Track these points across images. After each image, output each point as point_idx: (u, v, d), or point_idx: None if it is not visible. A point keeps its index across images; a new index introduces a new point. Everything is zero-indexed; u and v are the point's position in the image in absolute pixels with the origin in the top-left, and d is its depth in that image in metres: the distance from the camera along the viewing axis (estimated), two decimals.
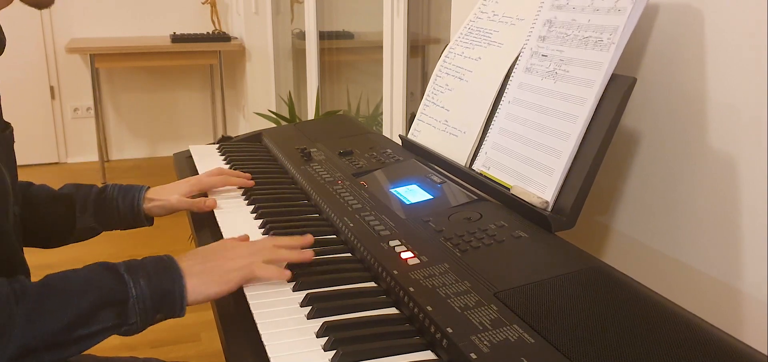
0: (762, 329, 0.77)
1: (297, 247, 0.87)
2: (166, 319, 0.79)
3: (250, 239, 0.91)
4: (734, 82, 0.79)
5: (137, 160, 4.58)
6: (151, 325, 0.78)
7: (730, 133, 0.80)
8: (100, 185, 1.12)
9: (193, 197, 1.13)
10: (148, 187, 1.13)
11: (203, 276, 0.80)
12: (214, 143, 1.50)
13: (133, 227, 1.13)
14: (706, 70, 0.83)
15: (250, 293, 0.79)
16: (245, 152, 1.39)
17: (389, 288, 0.78)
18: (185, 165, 1.37)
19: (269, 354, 0.66)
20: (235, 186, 1.17)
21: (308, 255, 0.85)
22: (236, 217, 1.05)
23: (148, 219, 1.13)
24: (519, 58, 1.03)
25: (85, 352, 0.75)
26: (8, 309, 0.69)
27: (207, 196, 1.14)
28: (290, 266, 0.83)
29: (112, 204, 1.10)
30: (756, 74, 0.76)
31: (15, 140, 0.99)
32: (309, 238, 0.89)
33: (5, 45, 0.93)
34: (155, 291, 0.76)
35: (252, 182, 1.16)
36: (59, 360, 0.73)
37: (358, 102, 3.13)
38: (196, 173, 1.28)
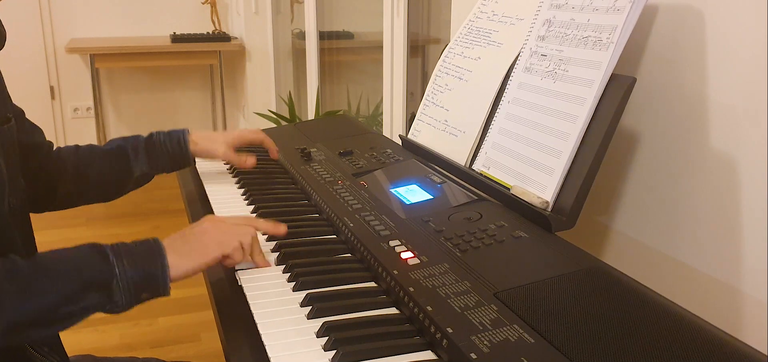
0: (762, 329, 0.77)
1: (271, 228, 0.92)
2: (152, 298, 0.82)
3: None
4: (734, 82, 0.79)
5: None
6: (138, 303, 0.81)
7: (730, 133, 0.80)
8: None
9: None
10: (188, 131, 1.22)
11: (184, 252, 0.83)
12: None
13: (181, 167, 1.22)
14: (706, 70, 0.83)
15: (250, 293, 0.79)
16: (245, 152, 1.39)
17: (389, 288, 0.78)
18: (186, 128, 1.38)
19: (269, 354, 0.66)
20: (248, 167, 1.24)
21: (282, 229, 0.92)
22: None
23: (192, 160, 1.22)
24: (518, 57, 1.03)
25: (88, 352, 0.77)
26: (1, 287, 0.72)
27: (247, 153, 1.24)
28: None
29: (161, 148, 1.19)
30: (756, 74, 0.76)
31: (19, 132, 1.02)
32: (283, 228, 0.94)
33: (5, 39, 0.98)
34: (139, 272, 0.79)
35: (276, 151, 1.28)
36: (44, 336, 0.77)
37: (358, 102, 3.13)
38: (197, 173, 1.28)
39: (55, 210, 1.16)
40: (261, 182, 1.20)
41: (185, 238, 0.86)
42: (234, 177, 1.24)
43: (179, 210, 2.66)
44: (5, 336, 0.72)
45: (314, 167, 1.20)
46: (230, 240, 0.85)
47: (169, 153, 1.19)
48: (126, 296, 0.79)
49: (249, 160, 1.21)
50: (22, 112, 1.08)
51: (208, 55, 4.20)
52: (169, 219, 3.40)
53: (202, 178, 1.26)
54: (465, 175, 1.05)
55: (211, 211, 1.09)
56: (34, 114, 1.14)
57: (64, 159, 1.15)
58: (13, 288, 0.72)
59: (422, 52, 2.37)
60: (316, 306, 0.74)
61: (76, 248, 0.80)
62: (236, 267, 0.87)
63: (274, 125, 2.90)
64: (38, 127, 1.14)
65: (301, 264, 0.85)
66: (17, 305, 0.72)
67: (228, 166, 1.31)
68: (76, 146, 1.19)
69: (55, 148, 1.16)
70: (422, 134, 1.21)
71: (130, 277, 0.79)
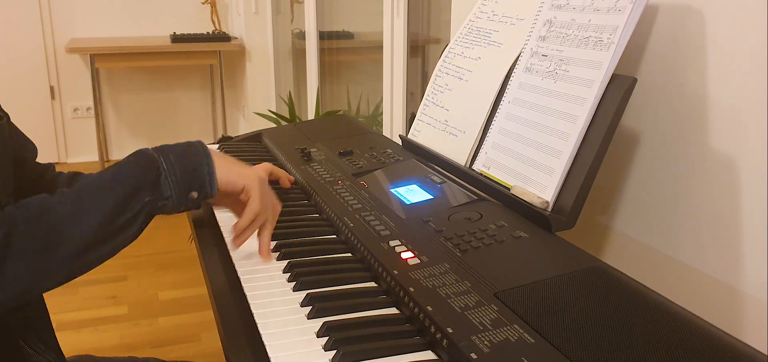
0: (762, 329, 0.77)
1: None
2: (200, 199, 0.85)
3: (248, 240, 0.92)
4: (734, 82, 0.79)
5: None
6: (186, 204, 0.84)
7: (730, 133, 0.80)
8: None
9: None
10: None
11: (228, 163, 0.88)
12: (214, 143, 1.50)
13: None
14: (706, 70, 0.83)
15: (250, 294, 0.79)
16: (245, 152, 1.39)
17: (389, 288, 0.78)
18: None
19: (269, 354, 0.66)
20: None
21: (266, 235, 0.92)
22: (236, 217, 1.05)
23: None
24: (519, 57, 1.03)
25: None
26: (56, 214, 0.75)
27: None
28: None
29: None
30: (756, 74, 0.76)
31: (10, 134, 1.00)
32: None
33: None
34: (186, 166, 0.82)
35: (291, 178, 1.17)
36: (117, 248, 0.80)
37: (358, 102, 3.13)
38: None
39: None
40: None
41: (232, 160, 0.90)
42: None
43: None
44: (76, 260, 0.75)
45: (314, 167, 1.20)
46: (265, 196, 0.90)
47: None
48: (175, 190, 0.81)
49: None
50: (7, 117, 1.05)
51: (208, 55, 4.21)
52: (169, 217, 3.40)
53: None
54: (465, 175, 1.05)
55: (211, 211, 1.09)
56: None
57: (53, 185, 1.10)
58: (67, 211, 0.75)
59: (422, 52, 2.37)
60: (316, 306, 0.74)
61: (118, 162, 0.83)
62: (236, 267, 0.87)
63: (274, 125, 2.90)
64: (30, 141, 1.09)
65: (301, 264, 0.85)
66: (76, 227, 0.75)
67: None
68: (76, 173, 1.14)
69: (53, 171, 1.12)
70: (422, 134, 1.21)
71: (177, 171, 0.81)
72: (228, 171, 0.87)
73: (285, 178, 1.15)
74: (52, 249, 0.73)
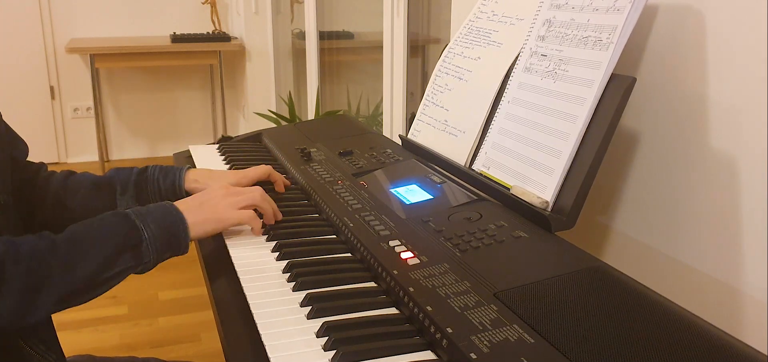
0: (762, 329, 0.77)
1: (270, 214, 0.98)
2: (173, 256, 0.90)
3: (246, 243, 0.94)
4: (734, 82, 0.79)
5: (137, 160, 4.59)
6: (161, 262, 0.89)
7: (730, 133, 0.80)
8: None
9: None
10: (189, 167, 1.14)
11: (200, 217, 0.92)
12: (214, 143, 1.50)
13: None
14: (706, 70, 0.83)
15: (250, 294, 0.79)
16: (245, 152, 1.39)
17: (389, 288, 0.78)
18: (185, 165, 1.37)
19: (269, 355, 0.66)
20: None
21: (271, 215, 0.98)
22: None
23: None
24: (518, 57, 1.03)
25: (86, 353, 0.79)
26: (47, 262, 0.79)
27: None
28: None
29: (153, 185, 1.11)
30: (756, 74, 0.76)
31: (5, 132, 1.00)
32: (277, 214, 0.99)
33: None
34: (163, 233, 0.87)
35: (288, 182, 1.16)
36: (97, 295, 0.85)
37: (358, 102, 3.13)
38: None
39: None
40: (261, 182, 1.19)
41: (201, 206, 0.93)
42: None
43: None
44: (57, 307, 0.80)
45: (314, 167, 1.20)
46: (241, 201, 0.94)
47: (161, 192, 1.10)
48: (153, 256, 0.87)
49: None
50: None
51: (208, 55, 4.20)
52: None
53: None
54: (465, 175, 1.05)
55: None
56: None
57: (47, 184, 1.09)
58: (57, 263, 0.79)
59: (422, 52, 2.37)
60: (316, 306, 0.74)
61: (103, 218, 0.87)
62: (236, 268, 0.87)
63: (274, 125, 2.90)
64: (22, 139, 1.06)
65: (301, 264, 0.85)
66: (64, 277, 0.79)
67: (227, 165, 1.31)
68: (69, 172, 1.12)
69: (46, 171, 1.11)
70: (422, 134, 1.21)
71: (156, 239, 0.86)
72: (201, 229, 0.92)
73: (280, 182, 1.14)
74: (39, 293, 0.78)
